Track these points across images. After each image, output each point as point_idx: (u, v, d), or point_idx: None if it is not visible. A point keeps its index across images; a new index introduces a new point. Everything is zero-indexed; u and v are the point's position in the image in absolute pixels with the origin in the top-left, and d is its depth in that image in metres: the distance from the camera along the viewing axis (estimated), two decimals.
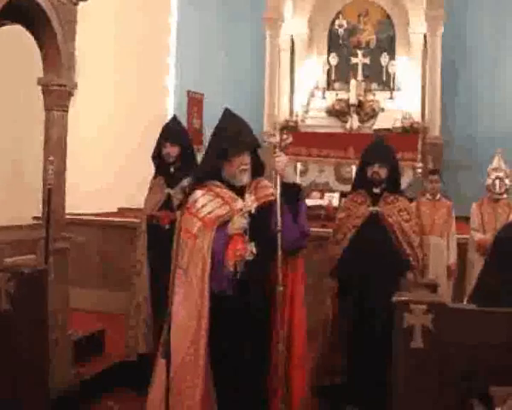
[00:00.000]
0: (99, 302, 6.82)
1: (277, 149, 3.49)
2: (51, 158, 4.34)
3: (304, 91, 11.73)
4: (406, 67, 11.47)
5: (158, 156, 4.97)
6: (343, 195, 8.17)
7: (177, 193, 4.70)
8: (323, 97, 11.61)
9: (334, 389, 4.35)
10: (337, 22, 11.85)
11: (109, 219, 7.93)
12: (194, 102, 10.87)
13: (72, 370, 4.56)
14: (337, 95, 11.54)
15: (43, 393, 3.35)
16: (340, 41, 11.92)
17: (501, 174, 6.19)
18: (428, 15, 10.95)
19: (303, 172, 10.40)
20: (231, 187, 3.36)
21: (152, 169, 5.11)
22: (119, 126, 9.71)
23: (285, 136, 3.86)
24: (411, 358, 2.19)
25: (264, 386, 3.30)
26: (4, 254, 3.91)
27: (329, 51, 11.91)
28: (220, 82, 12.10)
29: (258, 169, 3.46)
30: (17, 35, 4.73)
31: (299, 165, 10.17)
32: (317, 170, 10.63)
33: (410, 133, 10.65)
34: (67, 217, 4.81)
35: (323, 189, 10.11)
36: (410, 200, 5.02)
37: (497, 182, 6.15)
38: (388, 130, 10.49)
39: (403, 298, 2.29)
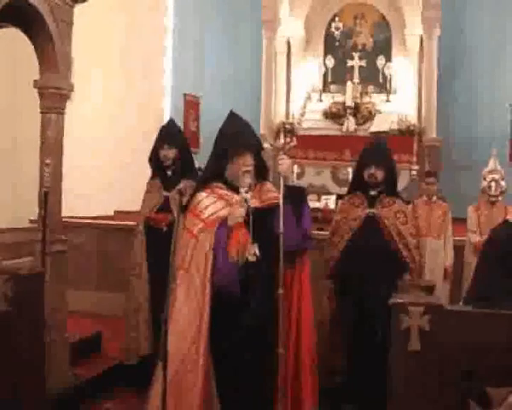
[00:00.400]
0: (96, 305, 6.81)
1: (281, 152, 3.50)
2: (48, 161, 4.33)
3: (300, 94, 11.75)
4: (402, 69, 11.50)
5: (155, 159, 4.97)
6: (340, 197, 8.16)
7: (174, 195, 4.71)
8: (320, 100, 11.63)
9: (333, 389, 4.35)
10: (333, 25, 11.89)
11: (106, 221, 7.92)
12: (191, 104, 10.88)
13: (71, 371, 4.55)
14: (333, 97, 11.57)
15: (41, 394, 3.35)
16: (337, 43, 11.95)
17: (497, 176, 6.18)
18: (424, 17, 10.97)
19: (299, 175, 10.41)
20: (235, 189, 3.37)
21: (149, 172, 5.11)
22: (115, 129, 9.71)
23: (288, 139, 3.87)
24: (409, 359, 2.20)
25: (268, 386, 3.30)
26: (2, 256, 3.91)
27: (326, 54, 11.94)
28: (217, 84, 12.10)
29: (262, 172, 3.48)
30: (14, 38, 4.72)
31: (295, 167, 10.18)
32: (314, 172, 10.64)
33: (406, 135, 10.67)
34: (64, 220, 4.80)
35: (320, 191, 10.12)
36: (407, 202, 5.02)
37: (493, 184, 6.15)
38: (385, 132, 10.51)
39: (400, 300, 2.29)
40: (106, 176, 9.29)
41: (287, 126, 11.08)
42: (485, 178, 6.23)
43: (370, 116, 11.27)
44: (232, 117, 3.48)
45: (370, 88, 11.59)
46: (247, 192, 3.32)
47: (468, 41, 11.65)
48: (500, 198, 6.17)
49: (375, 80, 11.57)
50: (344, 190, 6.46)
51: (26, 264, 4.02)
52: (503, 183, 6.19)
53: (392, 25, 11.80)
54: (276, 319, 3.26)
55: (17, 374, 3.05)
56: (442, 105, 11.09)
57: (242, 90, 11.76)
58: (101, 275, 7.26)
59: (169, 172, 4.95)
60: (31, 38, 4.41)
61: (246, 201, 3.30)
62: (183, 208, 3.33)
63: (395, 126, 10.87)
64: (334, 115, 11.41)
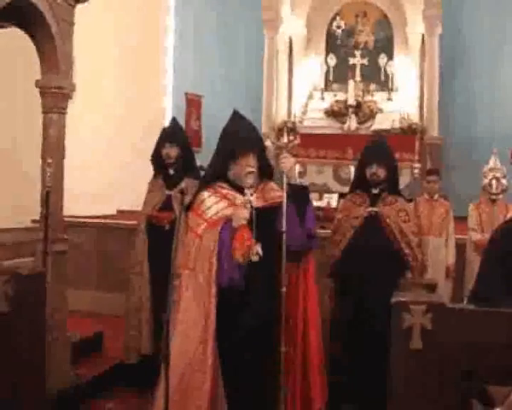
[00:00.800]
0: (96, 304, 6.81)
1: (284, 151, 3.49)
2: (49, 160, 4.34)
3: (302, 92, 11.73)
4: (404, 68, 11.47)
5: (157, 157, 4.98)
6: (341, 196, 8.15)
7: (176, 194, 4.71)
8: (322, 98, 11.61)
9: (333, 388, 4.35)
10: (335, 23, 11.87)
11: (107, 221, 7.93)
12: (193, 103, 10.85)
13: (71, 371, 4.55)
14: (335, 96, 11.55)
15: (42, 394, 3.35)
16: (338, 42, 11.93)
17: (498, 174, 6.17)
18: (426, 15, 10.94)
19: (301, 174, 10.40)
20: (238, 188, 3.36)
21: (151, 171, 5.11)
22: (117, 129, 9.71)
23: (292, 137, 3.86)
24: (410, 358, 2.19)
25: (271, 386, 3.29)
26: (3, 256, 3.91)
27: (327, 52, 11.92)
28: (219, 83, 12.09)
29: (266, 172, 3.47)
30: (15, 37, 4.72)
31: (297, 166, 10.15)
32: (316, 171, 10.62)
33: (408, 134, 10.65)
34: (66, 219, 4.81)
35: (322, 190, 10.11)
36: (409, 200, 5.01)
37: (494, 182, 6.13)
38: (386, 130, 10.49)
39: (402, 298, 2.28)
40: (107, 175, 9.30)
41: (288, 125, 11.06)
42: (486, 176, 6.22)
43: (372, 114, 11.25)
44: (236, 116, 3.48)
45: (372, 86, 11.56)
46: (251, 194, 3.32)
47: (467, 41, 11.62)
48: (501, 196, 6.16)
49: (377, 79, 11.55)
50: (346, 188, 6.45)
51: (27, 264, 4.02)
52: (504, 181, 6.18)
53: (393, 23, 11.77)
54: (279, 318, 3.26)
55: (17, 374, 3.04)
56: (442, 105, 11.07)
57: (244, 90, 11.75)
58: (101, 275, 7.26)
59: (171, 171, 4.95)
60: (32, 37, 4.41)
61: (250, 202, 3.30)
62: (186, 207, 3.32)
63: (397, 125, 10.85)
64: (335, 114, 11.39)
